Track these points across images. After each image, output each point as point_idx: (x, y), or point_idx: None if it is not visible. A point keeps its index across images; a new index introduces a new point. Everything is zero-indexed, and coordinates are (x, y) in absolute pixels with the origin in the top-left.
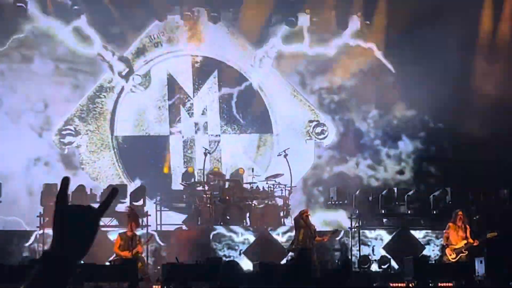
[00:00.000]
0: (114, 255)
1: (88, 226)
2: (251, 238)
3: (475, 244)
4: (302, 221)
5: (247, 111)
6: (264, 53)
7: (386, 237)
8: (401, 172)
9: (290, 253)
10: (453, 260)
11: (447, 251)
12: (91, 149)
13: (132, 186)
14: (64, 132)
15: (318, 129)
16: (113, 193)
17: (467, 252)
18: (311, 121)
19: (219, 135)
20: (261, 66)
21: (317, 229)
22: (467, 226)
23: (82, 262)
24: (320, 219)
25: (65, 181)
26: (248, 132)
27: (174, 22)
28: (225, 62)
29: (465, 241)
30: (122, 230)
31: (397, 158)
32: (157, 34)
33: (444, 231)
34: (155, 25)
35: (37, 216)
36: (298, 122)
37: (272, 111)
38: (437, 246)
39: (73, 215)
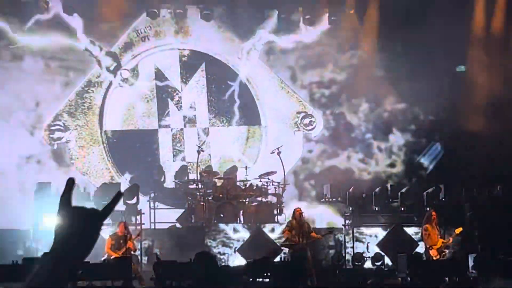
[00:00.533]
0: (106, 255)
1: (91, 228)
2: (245, 236)
3: (450, 242)
4: (294, 222)
5: (235, 103)
6: (252, 45)
7: (381, 234)
8: (392, 165)
9: (284, 251)
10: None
11: (432, 252)
12: (81, 144)
13: (122, 180)
14: (53, 128)
15: (306, 120)
16: (118, 196)
17: (447, 250)
18: (299, 113)
19: (208, 128)
20: (249, 58)
21: (311, 226)
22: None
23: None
24: (312, 214)
25: (70, 182)
26: (237, 124)
27: (161, 16)
28: (213, 55)
29: (442, 240)
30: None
31: (388, 151)
32: (144, 28)
33: (424, 233)
34: (142, 20)
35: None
36: (286, 114)
37: (260, 103)
38: None
39: (77, 217)
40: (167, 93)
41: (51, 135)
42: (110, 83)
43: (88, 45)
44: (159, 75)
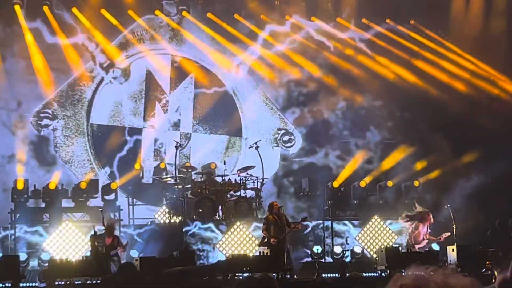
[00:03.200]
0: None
1: None
2: (224, 231)
3: (441, 239)
4: (271, 217)
5: (219, 113)
6: (242, 60)
7: (359, 227)
8: (369, 162)
9: (262, 247)
10: None
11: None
12: (66, 133)
13: (101, 173)
14: (42, 115)
15: (286, 138)
16: None
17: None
18: (279, 129)
19: (190, 133)
20: (238, 72)
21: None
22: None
23: (55, 258)
24: (291, 210)
25: None
26: (219, 133)
27: (158, 22)
28: (203, 65)
29: (432, 237)
30: (91, 225)
31: (366, 148)
32: (141, 31)
33: (413, 231)
34: (140, 23)
35: (8, 213)
36: (267, 129)
37: (243, 116)
38: None
39: None
40: (155, 95)
41: (39, 121)
42: (102, 79)
43: (85, 40)
44: (150, 77)
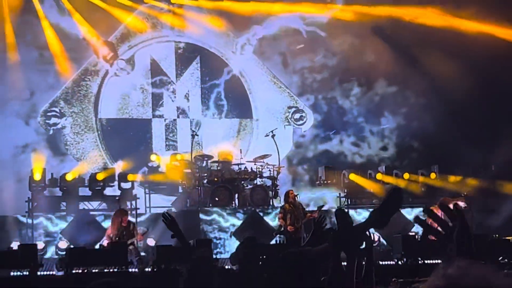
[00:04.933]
0: (103, 240)
1: None
2: (241, 220)
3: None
4: (287, 206)
5: (228, 97)
6: (246, 40)
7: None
8: (384, 148)
9: (278, 236)
10: None
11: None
12: (75, 130)
13: (115, 167)
14: (49, 114)
15: (297, 115)
16: None
17: None
18: (290, 107)
19: (200, 120)
20: (243, 53)
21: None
22: None
23: (72, 247)
24: (306, 198)
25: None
26: (229, 117)
27: (159, 8)
28: (208, 49)
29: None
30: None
31: (380, 135)
32: (142, 19)
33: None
34: (139, 11)
35: (25, 202)
36: (278, 108)
37: (252, 97)
38: None
39: None
40: (161, 83)
41: (47, 121)
42: (106, 72)
43: (86, 34)
44: (155, 66)
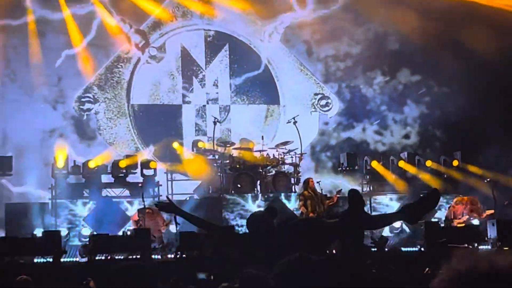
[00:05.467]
0: (126, 227)
1: None
2: (262, 206)
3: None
4: (306, 193)
5: (256, 83)
6: (274, 28)
7: (398, 202)
8: (407, 137)
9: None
10: None
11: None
12: (108, 116)
13: (146, 151)
14: (83, 99)
15: (323, 102)
16: None
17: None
18: (316, 94)
19: (229, 106)
20: (270, 41)
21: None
22: None
23: (95, 233)
24: (329, 185)
25: None
26: (257, 103)
27: None
28: (236, 37)
29: (467, 216)
30: (131, 200)
31: (403, 123)
32: (173, 8)
33: (452, 204)
34: (170, 1)
35: (48, 188)
36: (304, 95)
37: (279, 84)
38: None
39: None
40: (191, 71)
41: (81, 106)
42: (138, 60)
43: (119, 22)
44: (185, 54)
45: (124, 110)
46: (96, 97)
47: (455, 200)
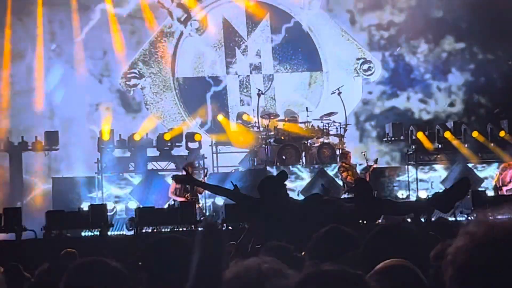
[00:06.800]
0: (171, 200)
1: None
2: (308, 177)
3: None
4: (344, 164)
5: (298, 51)
6: None
7: (444, 172)
8: (451, 105)
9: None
10: None
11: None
12: (154, 90)
13: (193, 123)
14: (129, 75)
15: (365, 66)
16: None
17: None
18: (358, 59)
19: (272, 75)
20: (310, 8)
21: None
22: None
23: (141, 206)
24: (374, 154)
25: None
26: (300, 70)
27: None
28: (276, 5)
29: None
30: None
31: (447, 91)
32: None
33: (499, 172)
34: None
35: (95, 163)
36: (346, 60)
37: (321, 50)
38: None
39: None
40: (234, 41)
41: (127, 82)
42: (181, 33)
43: None
44: (227, 25)
45: (170, 84)
46: (141, 72)
47: (502, 166)
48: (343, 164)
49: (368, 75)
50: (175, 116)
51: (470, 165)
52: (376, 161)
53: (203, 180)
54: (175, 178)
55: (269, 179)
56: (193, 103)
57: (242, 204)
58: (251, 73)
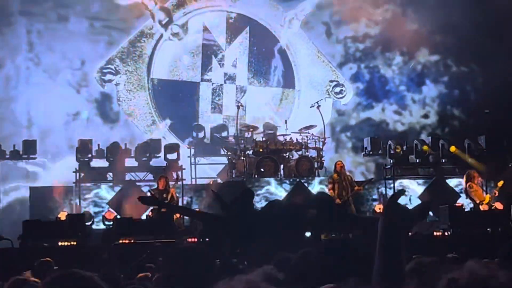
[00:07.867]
0: (148, 210)
1: None
2: (287, 190)
3: (496, 194)
4: (335, 176)
5: (273, 67)
6: (294, 15)
7: (422, 186)
8: (426, 116)
9: None
10: None
11: (483, 207)
12: (128, 88)
13: (162, 124)
14: (105, 70)
15: (337, 89)
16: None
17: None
18: (331, 81)
19: (246, 86)
20: (290, 27)
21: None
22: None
23: (118, 217)
24: (349, 164)
25: None
26: (273, 86)
27: None
28: (257, 20)
29: (489, 195)
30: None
31: (422, 103)
32: None
33: (469, 190)
34: None
35: (73, 172)
36: (319, 81)
37: (296, 68)
38: None
39: None
40: (211, 50)
41: (102, 77)
42: (161, 36)
43: None
44: (206, 33)
45: (144, 84)
46: (117, 69)
47: (468, 184)
48: (334, 176)
49: (339, 98)
50: (146, 115)
51: (448, 180)
52: (370, 181)
53: (173, 189)
54: (141, 200)
55: (235, 200)
56: (165, 105)
57: (210, 224)
58: (225, 82)
